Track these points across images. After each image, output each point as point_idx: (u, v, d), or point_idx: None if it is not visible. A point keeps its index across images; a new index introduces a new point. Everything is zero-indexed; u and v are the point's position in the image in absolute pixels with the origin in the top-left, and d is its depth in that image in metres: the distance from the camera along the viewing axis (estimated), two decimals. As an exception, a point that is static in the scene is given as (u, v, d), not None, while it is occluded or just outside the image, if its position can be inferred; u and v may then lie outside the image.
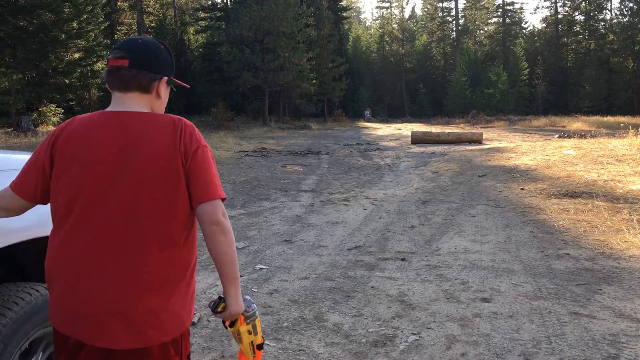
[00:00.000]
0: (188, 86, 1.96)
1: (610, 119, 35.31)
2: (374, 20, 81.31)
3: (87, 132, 1.58)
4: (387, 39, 67.63)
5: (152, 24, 45.98)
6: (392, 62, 65.44)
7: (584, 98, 50.20)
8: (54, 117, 28.21)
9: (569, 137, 21.87)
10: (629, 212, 6.46)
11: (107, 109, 1.63)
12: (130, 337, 1.50)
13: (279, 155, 16.54)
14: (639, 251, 5.07)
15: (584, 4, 57.74)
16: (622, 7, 52.69)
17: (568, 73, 55.85)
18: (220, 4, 47.46)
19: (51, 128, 25.77)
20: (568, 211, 6.90)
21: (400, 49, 65.81)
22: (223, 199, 1.58)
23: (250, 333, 1.70)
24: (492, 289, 4.18)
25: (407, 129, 32.89)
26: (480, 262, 4.98)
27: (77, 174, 1.54)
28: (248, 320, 1.69)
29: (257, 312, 1.74)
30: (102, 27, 33.79)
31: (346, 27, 62.46)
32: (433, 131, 22.56)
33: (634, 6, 50.18)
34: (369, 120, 47.92)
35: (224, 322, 1.68)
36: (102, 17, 34.76)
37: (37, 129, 23.95)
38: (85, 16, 31.69)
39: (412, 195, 8.94)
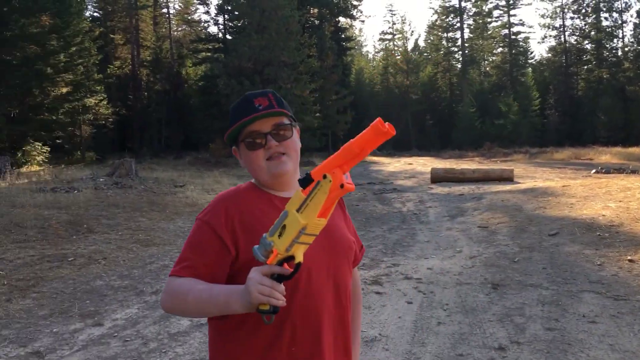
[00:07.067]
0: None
1: (637, 150, 32.73)
2: (377, 52, 79.74)
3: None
4: (391, 70, 65.82)
5: (149, 58, 44.46)
6: (397, 94, 63.44)
7: (599, 128, 47.86)
8: (39, 156, 25.85)
9: (608, 172, 19.39)
10: None
11: None
12: None
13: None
14: None
15: (593, 33, 55.81)
16: (637, 34, 50.69)
17: (580, 103, 53.60)
18: (218, 34, 45.51)
19: (36, 168, 23.31)
20: None
21: (405, 80, 63.83)
22: None
23: None
24: None
25: (418, 163, 30.40)
26: None
27: None
28: None
29: None
30: (91, 61, 31.85)
31: (349, 58, 60.72)
32: (455, 167, 20.01)
33: (650, 33, 48.26)
34: (374, 154, 45.60)
35: None
36: (94, 51, 32.89)
37: (20, 169, 20.96)
38: (73, 49, 29.67)
39: (470, 270, 6.27)
